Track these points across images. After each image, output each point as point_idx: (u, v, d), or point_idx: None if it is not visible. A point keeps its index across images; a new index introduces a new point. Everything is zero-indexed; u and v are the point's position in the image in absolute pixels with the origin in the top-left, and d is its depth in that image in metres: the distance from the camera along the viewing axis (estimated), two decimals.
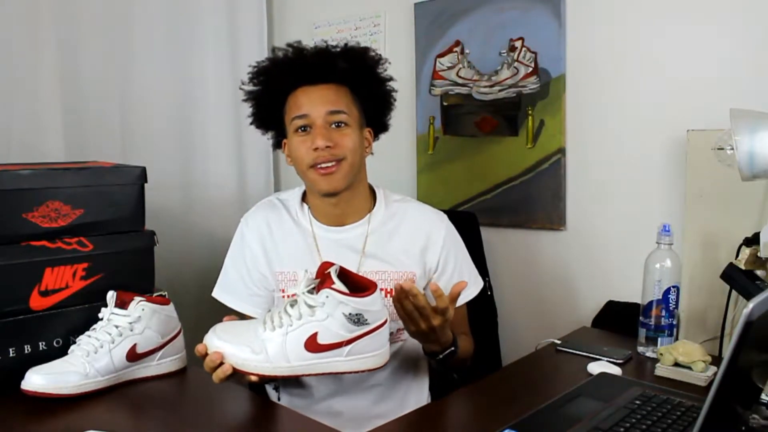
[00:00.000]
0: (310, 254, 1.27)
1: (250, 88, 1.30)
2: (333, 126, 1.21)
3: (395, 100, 1.34)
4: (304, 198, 1.34)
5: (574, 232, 1.66)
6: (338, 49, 1.25)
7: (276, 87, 1.26)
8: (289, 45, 1.27)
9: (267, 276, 1.29)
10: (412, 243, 1.28)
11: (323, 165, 1.20)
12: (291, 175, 2.22)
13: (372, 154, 1.32)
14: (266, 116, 1.32)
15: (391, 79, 1.31)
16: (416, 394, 1.34)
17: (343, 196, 1.25)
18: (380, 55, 1.30)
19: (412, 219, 1.31)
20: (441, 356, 1.17)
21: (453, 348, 1.17)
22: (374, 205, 1.31)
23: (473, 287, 1.33)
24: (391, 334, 1.27)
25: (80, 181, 1.25)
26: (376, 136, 1.34)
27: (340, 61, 1.23)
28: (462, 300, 1.31)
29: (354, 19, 2.06)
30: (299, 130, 1.22)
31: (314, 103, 1.21)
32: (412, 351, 1.31)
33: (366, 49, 1.28)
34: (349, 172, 1.22)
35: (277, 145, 1.34)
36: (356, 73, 1.25)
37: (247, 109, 1.33)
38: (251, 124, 1.34)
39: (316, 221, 1.30)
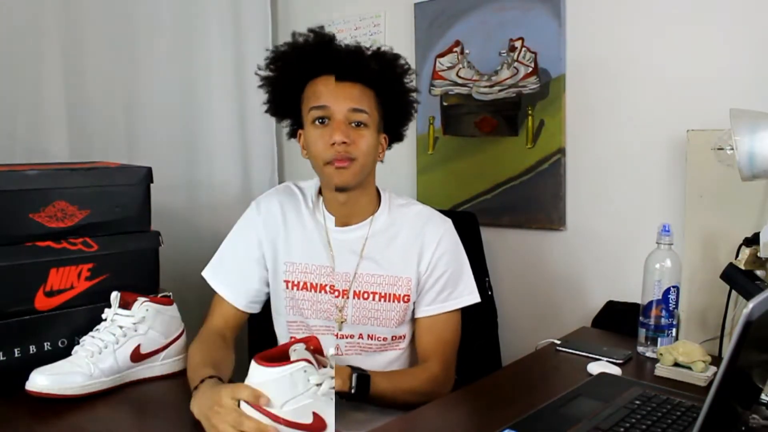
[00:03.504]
0: (324, 249, 1.26)
1: (266, 73, 1.27)
2: (352, 124, 1.20)
3: (416, 111, 1.33)
4: (320, 191, 1.31)
5: (574, 232, 1.67)
6: (371, 51, 1.24)
7: (297, 72, 1.23)
8: (310, 30, 1.24)
9: (268, 263, 1.27)
10: (409, 248, 1.27)
11: (338, 159, 1.18)
12: (295, 176, 2.23)
13: (382, 161, 1.30)
14: (283, 103, 1.29)
15: (416, 90, 1.30)
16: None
17: (352, 194, 1.24)
18: (409, 65, 1.28)
19: (411, 224, 1.29)
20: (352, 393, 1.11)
21: (353, 390, 1.10)
22: (378, 208, 1.30)
23: (463, 297, 1.29)
24: (385, 339, 1.28)
25: (87, 182, 1.26)
26: (389, 145, 1.32)
27: (373, 63, 1.21)
28: (439, 309, 1.27)
29: (354, 19, 2.06)
30: (317, 122, 1.20)
31: (337, 98, 1.19)
32: (412, 359, 1.31)
33: (397, 56, 1.27)
34: (359, 172, 1.21)
35: (292, 134, 1.32)
36: (385, 79, 1.23)
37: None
38: (266, 111, 1.31)
39: (330, 216, 1.28)
